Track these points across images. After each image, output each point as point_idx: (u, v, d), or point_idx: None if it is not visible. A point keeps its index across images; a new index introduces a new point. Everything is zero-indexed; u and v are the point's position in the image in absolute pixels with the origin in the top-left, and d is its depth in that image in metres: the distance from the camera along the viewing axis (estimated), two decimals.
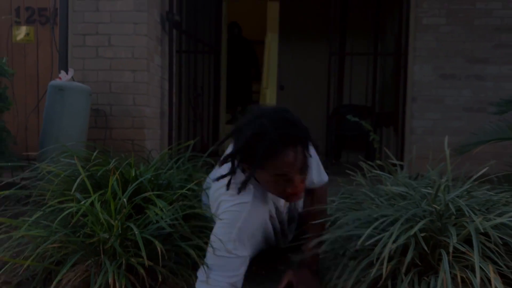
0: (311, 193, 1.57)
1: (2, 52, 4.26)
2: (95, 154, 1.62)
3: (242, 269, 1.25)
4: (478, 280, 0.98)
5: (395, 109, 4.07)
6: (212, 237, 1.26)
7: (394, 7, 4.36)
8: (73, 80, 2.61)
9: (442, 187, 1.24)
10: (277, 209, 1.45)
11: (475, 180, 1.43)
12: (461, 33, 3.64)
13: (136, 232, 1.13)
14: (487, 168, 1.39)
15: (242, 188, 1.25)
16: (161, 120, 3.23)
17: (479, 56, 3.65)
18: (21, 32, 4.46)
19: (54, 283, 1.21)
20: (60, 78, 2.53)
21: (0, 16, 4.45)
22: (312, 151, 1.36)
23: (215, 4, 4.94)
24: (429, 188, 1.35)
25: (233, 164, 1.28)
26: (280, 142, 1.18)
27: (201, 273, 1.24)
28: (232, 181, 1.28)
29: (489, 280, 1.06)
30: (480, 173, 1.35)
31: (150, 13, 2.90)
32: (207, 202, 1.49)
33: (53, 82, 2.53)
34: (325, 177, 1.59)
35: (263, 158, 1.18)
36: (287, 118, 1.22)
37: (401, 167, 1.78)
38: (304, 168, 1.26)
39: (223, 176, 1.30)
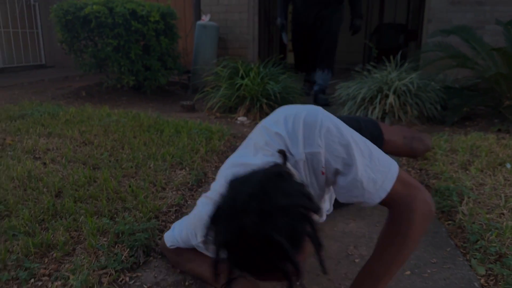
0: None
1: None
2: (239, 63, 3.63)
3: None
4: (389, 100, 2.89)
5: (417, 28, 5.60)
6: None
7: None
8: (209, 20, 4.53)
9: (393, 73, 3.10)
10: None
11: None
12: None
13: (272, 87, 3.13)
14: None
15: None
16: (253, 43, 5.11)
17: None
18: None
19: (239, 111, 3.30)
20: (203, 19, 4.46)
21: None
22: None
23: None
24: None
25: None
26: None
27: None
28: None
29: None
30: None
31: None
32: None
33: (199, 22, 4.48)
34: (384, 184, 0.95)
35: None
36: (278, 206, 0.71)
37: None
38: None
39: None
